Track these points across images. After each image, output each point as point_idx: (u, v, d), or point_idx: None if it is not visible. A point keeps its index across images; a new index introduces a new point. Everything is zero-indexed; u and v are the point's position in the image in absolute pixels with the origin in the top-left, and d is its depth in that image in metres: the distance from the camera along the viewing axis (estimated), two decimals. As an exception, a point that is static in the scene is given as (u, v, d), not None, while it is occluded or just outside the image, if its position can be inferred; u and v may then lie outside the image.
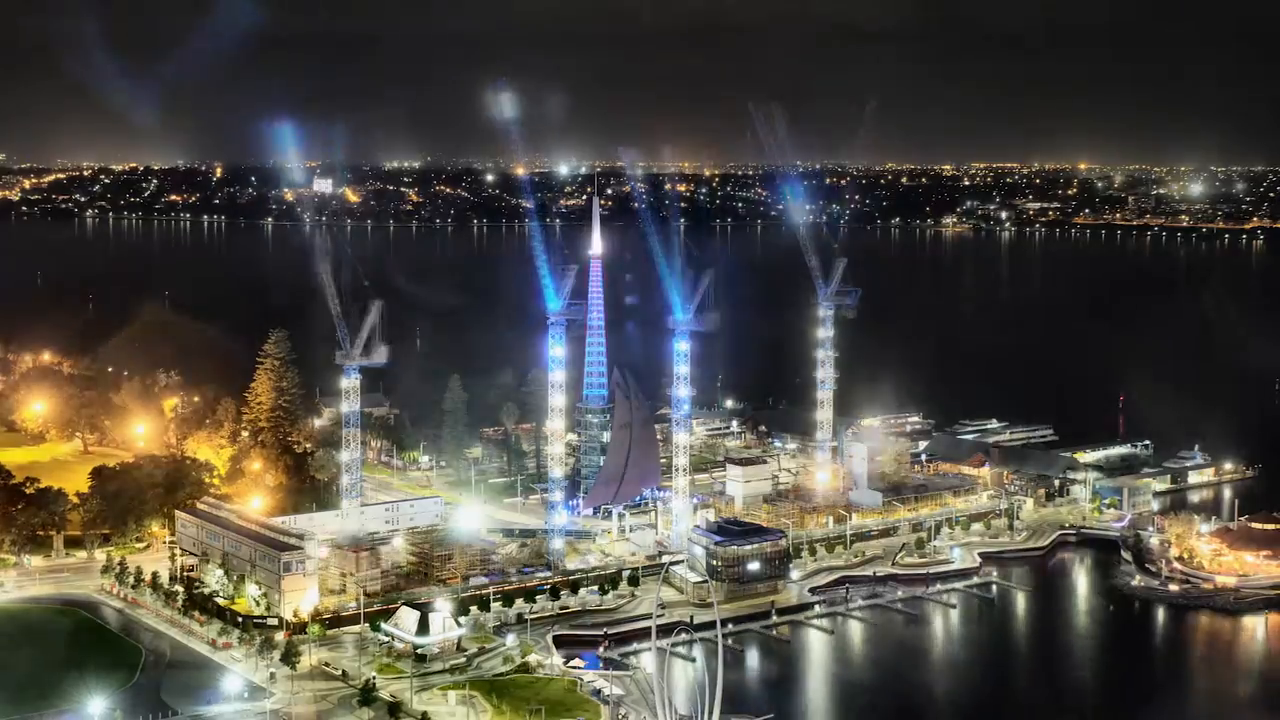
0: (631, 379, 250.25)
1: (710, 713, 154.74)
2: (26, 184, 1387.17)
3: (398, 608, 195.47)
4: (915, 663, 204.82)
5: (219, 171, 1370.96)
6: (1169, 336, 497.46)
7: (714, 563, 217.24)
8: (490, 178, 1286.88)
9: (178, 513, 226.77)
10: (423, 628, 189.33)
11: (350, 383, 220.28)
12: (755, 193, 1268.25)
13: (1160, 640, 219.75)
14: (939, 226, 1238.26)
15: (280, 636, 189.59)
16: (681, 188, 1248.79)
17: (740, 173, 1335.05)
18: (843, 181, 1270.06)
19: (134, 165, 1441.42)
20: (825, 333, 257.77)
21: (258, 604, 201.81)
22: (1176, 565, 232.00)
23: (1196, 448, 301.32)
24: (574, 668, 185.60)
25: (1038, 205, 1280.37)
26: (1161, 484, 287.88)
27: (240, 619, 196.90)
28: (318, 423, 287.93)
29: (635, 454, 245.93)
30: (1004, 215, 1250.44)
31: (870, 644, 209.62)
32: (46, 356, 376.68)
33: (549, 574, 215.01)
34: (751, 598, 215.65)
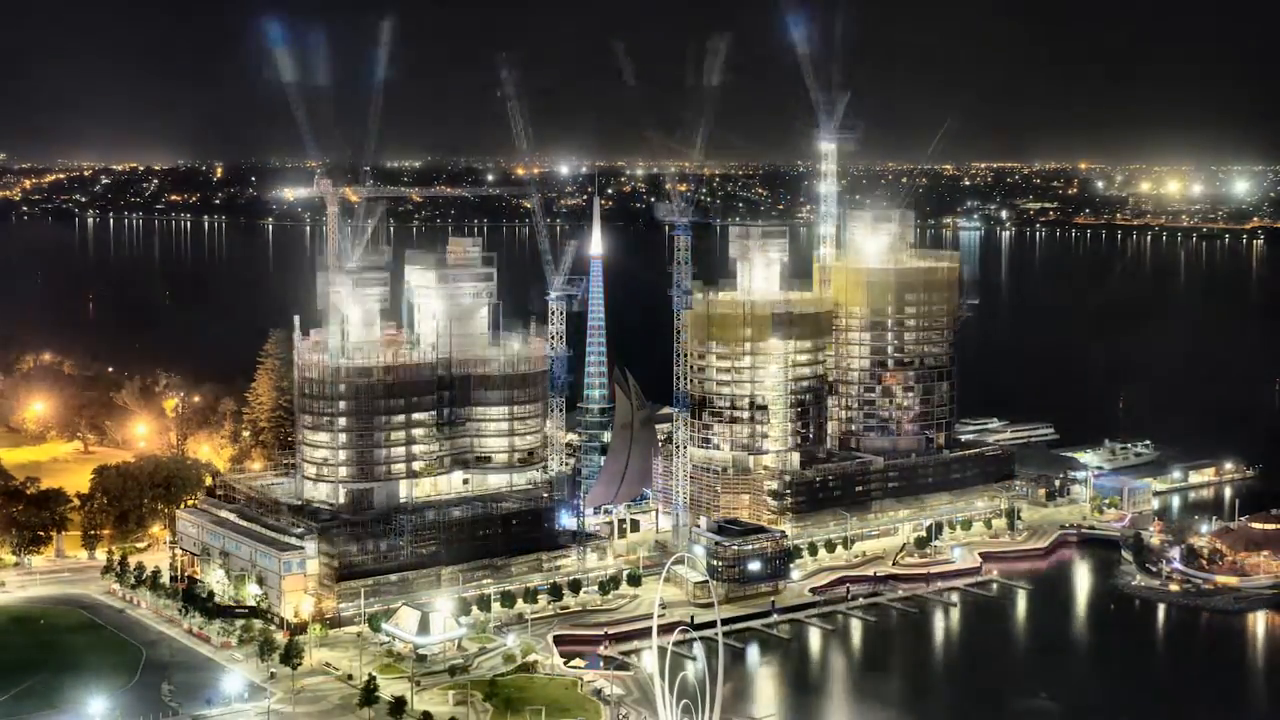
0: (632, 379, 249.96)
1: (710, 713, 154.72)
2: (27, 184, 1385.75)
3: (399, 607, 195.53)
4: (915, 662, 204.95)
5: (219, 171, 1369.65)
6: (1169, 336, 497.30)
7: (715, 562, 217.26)
8: (490, 178, 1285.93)
9: (178, 513, 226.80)
10: (423, 628, 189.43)
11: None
12: (755, 193, 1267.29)
13: (1160, 640, 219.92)
14: (939, 226, 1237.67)
15: (280, 637, 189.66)
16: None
17: (741, 172, 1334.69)
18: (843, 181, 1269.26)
19: (134, 165, 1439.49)
20: (829, 166, 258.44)
21: (258, 604, 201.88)
22: (1177, 565, 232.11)
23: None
24: (575, 667, 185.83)
25: (1038, 205, 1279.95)
26: (1162, 483, 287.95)
27: (240, 608, 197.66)
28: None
29: (635, 454, 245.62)
30: (1004, 215, 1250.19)
31: (870, 643, 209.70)
32: (46, 356, 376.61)
33: None
34: (752, 597, 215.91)
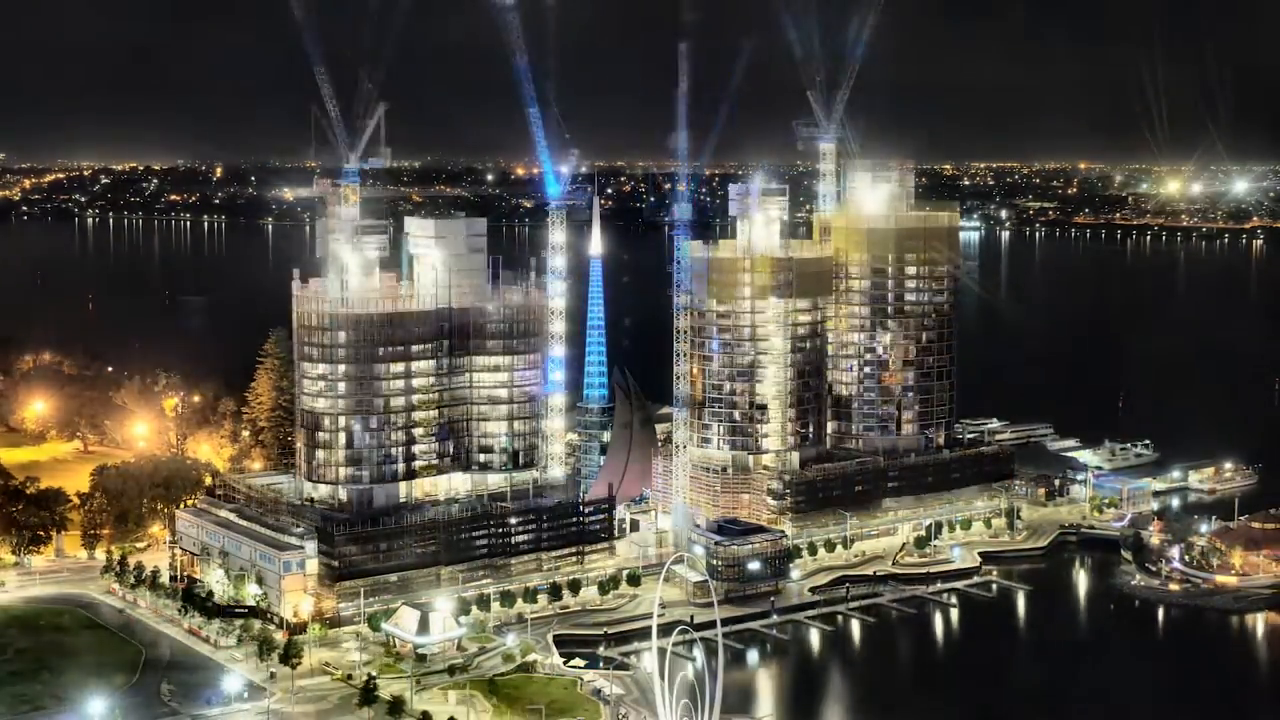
0: (632, 379, 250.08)
1: (710, 713, 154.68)
2: (27, 184, 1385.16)
3: (398, 607, 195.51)
4: (915, 662, 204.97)
5: (219, 171, 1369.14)
6: (1169, 336, 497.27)
7: (714, 562, 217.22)
8: (490, 177, 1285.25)
9: (178, 513, 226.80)
10: (423, 627, 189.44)
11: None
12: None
13: (1160, 640, 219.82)
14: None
15: (280, 636, 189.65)
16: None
17: (740, 172, 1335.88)
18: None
19: (134, 165, 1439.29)
20: (827, 166, 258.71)
21: (258, 604, 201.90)
22: (1177, 565, 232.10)
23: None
24: (574, 667, 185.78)
25: (1038, 205, 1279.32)
26: (1162, 483, 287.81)
27: (239, 608, 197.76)
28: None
29: (635, 454, 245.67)
30: (1004, 215, 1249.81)
31: (870, 643, 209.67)
32: (46, 356, 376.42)
33: None
34: (752, 597, 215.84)
